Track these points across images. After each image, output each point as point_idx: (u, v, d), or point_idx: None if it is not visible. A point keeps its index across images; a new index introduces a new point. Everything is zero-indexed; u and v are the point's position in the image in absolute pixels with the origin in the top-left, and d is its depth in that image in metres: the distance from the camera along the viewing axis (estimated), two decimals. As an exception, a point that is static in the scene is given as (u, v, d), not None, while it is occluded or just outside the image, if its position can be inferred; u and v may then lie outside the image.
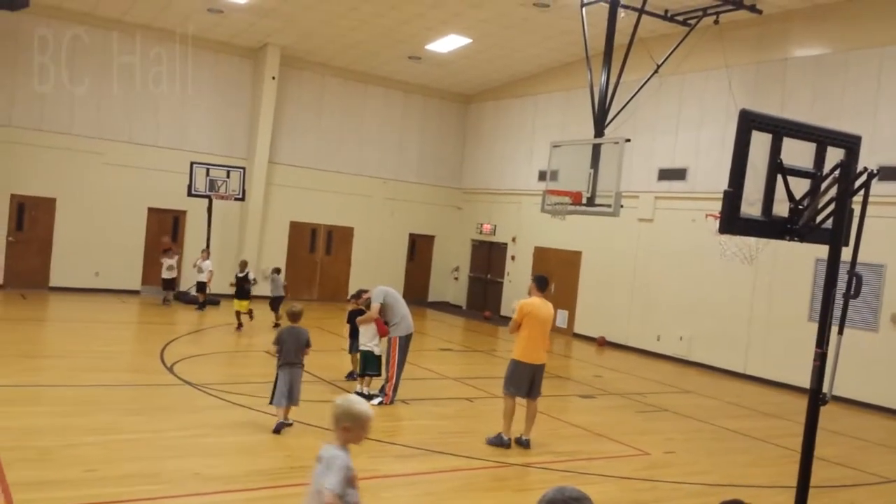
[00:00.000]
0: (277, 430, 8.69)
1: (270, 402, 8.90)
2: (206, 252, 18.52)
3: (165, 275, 18.76)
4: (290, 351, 8.92)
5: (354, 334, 11.36)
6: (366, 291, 11.24)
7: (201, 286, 18.26)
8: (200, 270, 18.14)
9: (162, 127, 20.40)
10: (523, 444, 9.06)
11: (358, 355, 11.10)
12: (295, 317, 9.24)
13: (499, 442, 8.98)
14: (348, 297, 12.55)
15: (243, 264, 16.55)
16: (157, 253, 19.39)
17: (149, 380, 10.91)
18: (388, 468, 7.97)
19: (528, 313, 9.01)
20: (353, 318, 11.48)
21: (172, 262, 18.84)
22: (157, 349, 12.97)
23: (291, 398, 8.86)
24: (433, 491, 7.36)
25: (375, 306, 10.66)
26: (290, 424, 8.94)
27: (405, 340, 10.78)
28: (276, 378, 8.87)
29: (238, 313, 15.90)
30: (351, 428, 4.12)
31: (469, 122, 25.22)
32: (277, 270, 17.55)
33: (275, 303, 16.82)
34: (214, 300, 19.46)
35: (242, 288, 15.94)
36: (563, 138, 17.92)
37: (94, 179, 19.53)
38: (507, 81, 23.28)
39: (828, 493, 8.29)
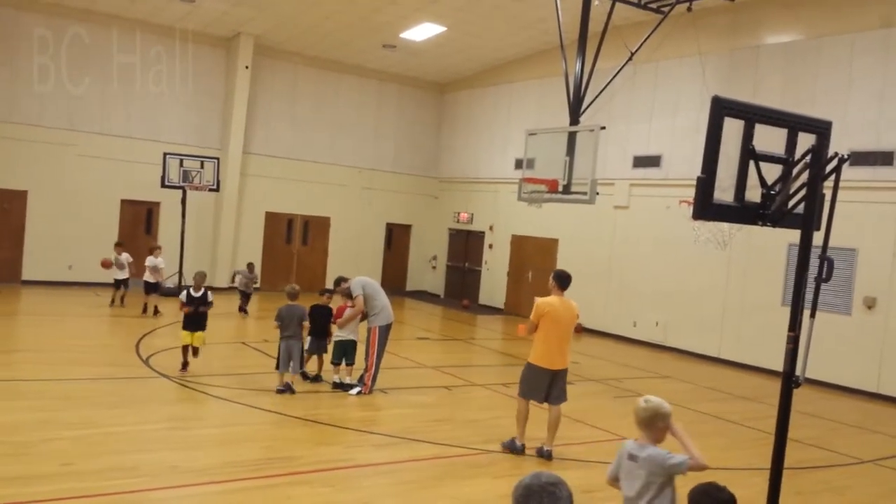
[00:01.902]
0: (281, 391, 10.13)
1: (276, 369, 10.44)
2: (159, 248, 16.66)
3: (118, 275, 16.78)
4: (289, 326, 10.32)
5: (319, 333, 11.00)
6: (345, 280, 11.15)
7: (151, 287, 15.91)
8: (156, 269, 16.04)
9: (134, 118, 20.17)
10: (545, 455, 8.25)
11: (314, 355, 11.17)
12: (292, 296, 10.60)
13: (512, 447, 8.38)
14: (321, 291, 11.98)
15: (200, 279, 11.33)
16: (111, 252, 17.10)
17: (125, 373, 10.81)
18: (366, 457, 7.99)
19: (546, 314, 8.20)
20: (313, 315, 10.95)
21: (122, 258, 16.87)
22: (133, 342, 12.87)
23: (293, 366, 10.32)
24: (412, 479, 7.38)
25: (359, 299, 10.60)
26: (293, 392, 10.17)
27: (385, 330, 10.76)
28: (279, 349, 10.36)
29: (186, 348, 10.98)
30: (664, 427, 4.45)
31: (445, 111, 25.18)
32: (251, 267, 17.59)
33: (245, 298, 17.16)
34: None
35: (198, 313, 10.94)
36: (539, 126, 17.93)
37: (66, 171, 19.30)
38: (483, 70, 23.26)
39: (802, 474, 8.42)
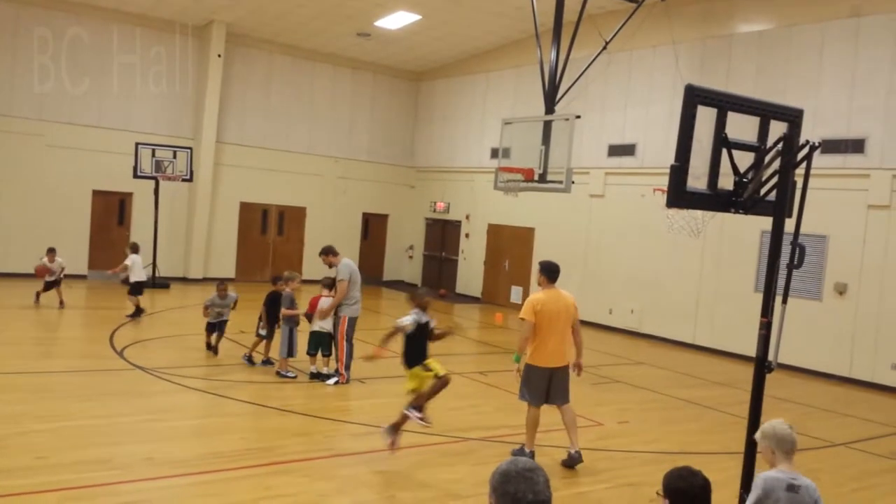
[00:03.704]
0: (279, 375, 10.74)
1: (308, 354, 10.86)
2: (135, 245, 15.11)
3: (49, 278, 15.09)
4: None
5: (272, 320, 11.18)
6: (335, 252, 10.92)
7: (136, 287, 14.54)
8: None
9: (105, 107, 19.90)
10: (574, 458, 7.66)
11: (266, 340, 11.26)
12: (282, 282, 11.18)
13: (521, 455, 7.73)
14: (274, 278, 11.61)
15: (427, 297, 8.20)
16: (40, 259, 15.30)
17: (99, 365, 10.72)
18: (344, 446, 7.99)
19: (539, 311, 7.66)
20: (270, 303, 11.19)
21: (54, 266, 15.07)
22: (107, 334, 12.75)
23: (289, 351, 10.83)
24: (390, 468, 7.40)
25: (343, 284, 10.51)
26: (294, 377, 10.62)
27: (353, 322, 10.77)
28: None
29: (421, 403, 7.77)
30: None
31: (420, 100, 25.12)
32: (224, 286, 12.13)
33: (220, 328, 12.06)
34: (164, 283, 19.21)
35: (424, 341, 7.93)
36: (515, 115, 17.96)
37: (35, 162, 19.00)
38: (458, 58, 23.21)
39: (774, 457, 8.54)
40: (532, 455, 7.68)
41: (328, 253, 10.96)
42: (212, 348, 11.84)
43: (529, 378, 7.82)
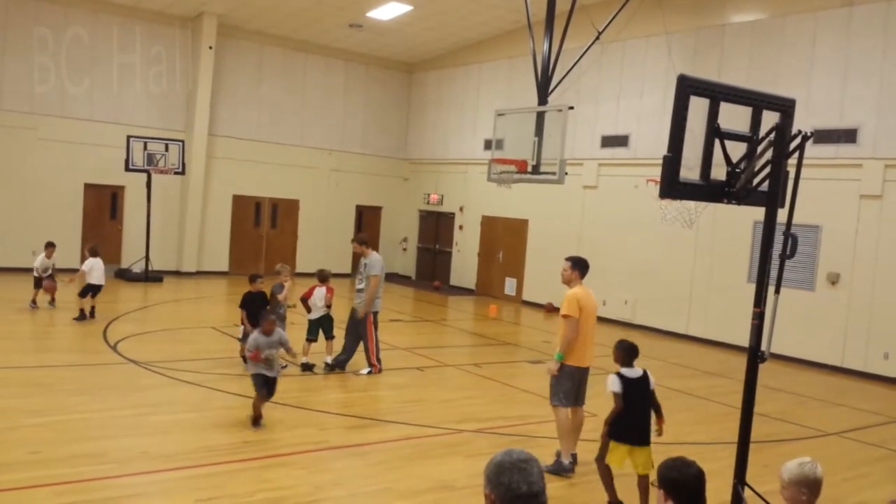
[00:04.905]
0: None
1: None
2: (93, 248, 14.25)
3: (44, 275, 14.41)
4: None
5: (253, 319, 10.19)
6: (367, 243, 11.04)
7: (92, 289, 13.57)
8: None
9: (97, 100, 19.80)
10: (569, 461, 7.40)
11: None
12: (261, 280, 10.95)
13: (558, 469, 7.19)
14: (252, 276, 11.01)
15: (633, 349, 6.86)
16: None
17: (92, 359, 10.70)
18: (340, 439, 7.99)
19: (582, 307, 7.40)
20: (247, 303, 10.45)
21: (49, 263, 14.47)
22: (100, 328, 12.72)
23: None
24: (385, 459, 7.41)
25: (376, 280, 10.68)
26: (284, 367, 10.08)
27: (377, 315, 10.94)
28: None
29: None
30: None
31: (413, 92, 25.06)
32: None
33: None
34: (157, 277, 19.16)
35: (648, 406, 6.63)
36: (508, 106, 17.92)
37: (27, 156, 18.90)
38: (451, 50, 23.15)
39: (768, 447, 8.58)
40: (575, 459, 7.37)
41: (363, 243, 10.98)
42: (259, 422, 8.05)
43: (563, 380, 7.47)
